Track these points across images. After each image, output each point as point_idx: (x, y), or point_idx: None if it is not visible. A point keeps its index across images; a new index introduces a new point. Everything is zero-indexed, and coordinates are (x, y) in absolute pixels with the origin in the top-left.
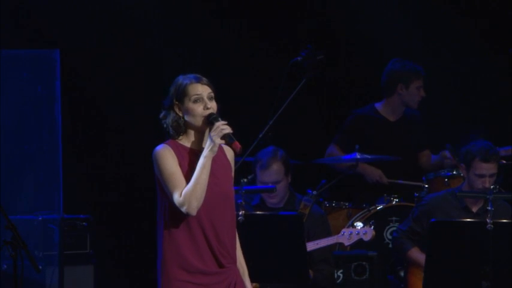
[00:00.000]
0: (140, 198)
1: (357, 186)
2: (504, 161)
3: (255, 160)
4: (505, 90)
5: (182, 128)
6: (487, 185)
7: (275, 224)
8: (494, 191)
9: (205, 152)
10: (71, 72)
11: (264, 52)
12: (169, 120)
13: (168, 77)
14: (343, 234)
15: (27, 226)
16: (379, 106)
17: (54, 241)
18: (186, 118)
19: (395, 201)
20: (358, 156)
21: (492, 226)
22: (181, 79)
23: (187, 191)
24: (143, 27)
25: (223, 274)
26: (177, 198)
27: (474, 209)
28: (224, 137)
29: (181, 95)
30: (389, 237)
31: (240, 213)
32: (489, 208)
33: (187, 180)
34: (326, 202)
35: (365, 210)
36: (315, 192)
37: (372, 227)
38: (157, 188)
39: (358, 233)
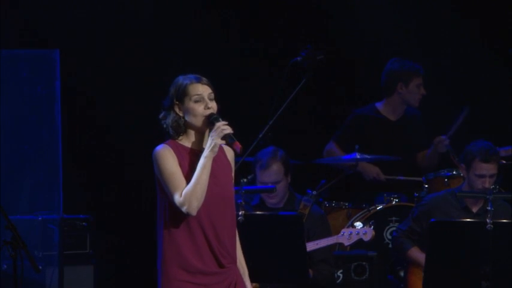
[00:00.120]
0: (140, 198)
1: (356, 186)
2: (504, 161)
3: (254, 160)
4: (505, 90)
5: (182, 128)
6: (487, 186)
7: (275, 224)
8: (494, 191)
9: (205, 152)
10: (71, 72)
11: (264, 52)
12: (169, 120)
13: (168, 77)
14: (342, 234)
15: (27, 226)
16: (379, 106)
17: (54, 241)
18: (187, 118)
19: (395, 201)
20: (358, 156)
21: (492, 226)
22: (181, 79)
23: (188, 191)
24: (143, 27)
25: (223, 274)
26: (177, 198)
27: (474, 209)
28: (225, 137)
29: (182, 94)
30: (389, 237)
31: (240, 213)
32: (489, 208)
33: (187, 180)
34: (326, 202)
35: (365, 210)
36: (314, 192)
37: (372, 227)
38: (157, 188)
39: (358, 233)
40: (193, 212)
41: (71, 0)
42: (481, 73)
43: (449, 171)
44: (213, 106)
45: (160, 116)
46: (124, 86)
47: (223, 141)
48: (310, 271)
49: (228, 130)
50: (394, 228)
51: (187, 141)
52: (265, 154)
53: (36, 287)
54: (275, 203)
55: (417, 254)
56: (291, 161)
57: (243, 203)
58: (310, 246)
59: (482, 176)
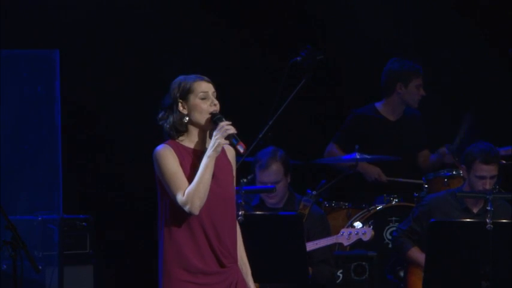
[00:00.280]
0: (140, 198)
1: (356, 186)
2: (504, 161)
3: (254, 160)
4: (505, 90)
5: (184, 126)
6: (487, 187)
7: (275, 224)
8: (494, 191)
9: (208, 152)
10: (71, 72)
11: (264, 52)
12: (171, 119)
13: (168, 77)
14: (342, 234)
15: (26, 226)
16: (379, 106)
17: (53, 241)
18: (191, 116)
19: (395, 201)
20: (358, 156)
21: (492, 226)
22: (183, 78)
23: (191, 190)
24: (143, 27)
25: (224, 274)
26: (180, 197)
27: (475, 210)
28: (228, 137)
29: (187, 92)
30: (389, 237)
31: (240, 213)
32: (489, 208)
33: (188, 180)
34: (326, 202)
35: (364, 211)
36: (314, 193)
37: (371, 227)
38: (157, 188)
39: (357, 233)
40: (196, 211)
41: (71, 0)
42: (481, 73)
43: (449, 171)
44: (217, 103)
45: (160, 115)
46: (124, 86)
47: (227, 141)
48: (310, 271)
49: (232, 130)
50: (393, 228)
51: (187, 141)
52: (265, 154)
53: (36, 287)
54: (275, 203)
55: (417, 254)
56: (291, 161)
57: (243, 203)
58: (310, 246)
59: (482, 178)
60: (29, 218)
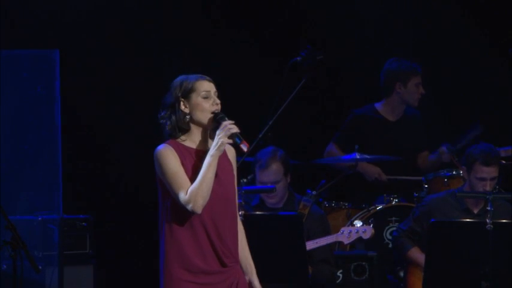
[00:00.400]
0: (140, 198)
1: (356, 186)
2: (504, 161)
3: (254, 160)
4: (505, 90)
5: (186, 125)
6: (487, 188)
7: (275, 224)
8: (494, 192)
9: (212, 151)
10: (71, 72)
11: (264, 52)
12: (173, 118)
13: (168, 76)
14: (342, 232)
15: (26, 226)
16: (379, 106)
17: (53, 241)
18: (193, 114)
19: (395, 201)
20: (358, 157)
21: (492, 226)
22: (185, 77)
23: (193, 189)
24: (143, 27)
25: (225, 273)
26: (182, 196)
27: (475, 210)
28: (232, 136)
29: (189, 91)
30: (389, 237)
31: (240, 213)
32: (489, 208)
33: (190, 180)
34: (325, 202)
35: (364, 210)
36: (314, 193)
37: (371, 225)
38: (158, 187)
39: (357, 232)
40: (199, 210)
41: (71, 0)
42: (481, 73)
43: (449, 171)
44: (219, 103)
45: (161, 114)
46: (124, 86)
47: (230, 140)
48: (310, 270)
49: (235, 129)
50: (393, 228)
51: (188, 140)
52: (265, 154)
53: (36, 287)
54: (275, 202)
55: (417, 255)
56: (291, 161)
57: (243, 203)
58: (310, 245)
59: (483, 179)
60: (29, 218)
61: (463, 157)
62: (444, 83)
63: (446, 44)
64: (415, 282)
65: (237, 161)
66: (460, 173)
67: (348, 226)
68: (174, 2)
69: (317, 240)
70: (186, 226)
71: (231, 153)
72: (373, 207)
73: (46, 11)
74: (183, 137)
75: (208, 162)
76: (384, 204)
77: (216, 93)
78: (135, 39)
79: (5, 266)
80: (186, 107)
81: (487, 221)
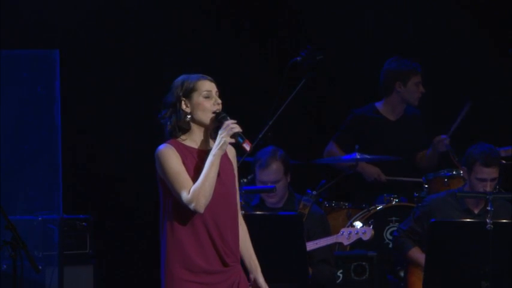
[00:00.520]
0: (140, 198)
1: (356, 186)
2: (504, 161)
3: (254, 160)
4: (505, 90)
5: (187, 125)
6: (488, 189)
7: (275, 224)
8: (494, 191)
9: (214, 150)
10: (71, 72)
11: (264, 52)
12: (174, 117)
13: (168, 76)
14: (342, 233)
15: (26, 226)
16: (379, 105)
17: (53, 241)
18: (194, 114)
19: (395, 201)
20: (358, 156)
21: (492, 226)
22: (186, 77)
23: (196, 188)
24: (143, 27)
25: (227, 273)
26: (185, 195)
27: (476, 211)
28: (234, 135)
29: (190, 91)
30: (389, 237)
31: (240, 213)
32: (489, 208)
33: (192, 179)
34: (326, 202)
35: (365, 211)
36: (314, 193)
37: (371, 226)
38: (159, 187)
39: (357, 233)
40: (201, 210)
41: (71, 0)
42: (481, 73)
43: (449, 171)
44: (220, 102)
45: (162, 114)
46: (124, 86)
47: (233, 140)
48: (310, 271)
49: (238, 128)
50: (394, 229)
51: (189, 140)
52: (265, 153)
53: (36, 287)
54: (275, 202)
55: (418, 255)
56: (291, 161)
57: (243, 203)
58: (310, 245)
59: (483, 180)
60: (29, 218)
61: (463, 158)
62: (444, 82)
63: (446, 44)
64: (416, 282)
65: (237, 161)
66: (460, 173)
67: (348, 227)
68: (174, 2)
69: (317, 241)
70: (187, 226)
71: (232, 152)
72: (373, 207)
73: (46, 11)
74: (184, 137)
75: (211, 161)
76: (384, 204)
77: (218, 93)
78: (135, 39)
79: (5, 266)
80: (187, 106)
81: (487, 221)
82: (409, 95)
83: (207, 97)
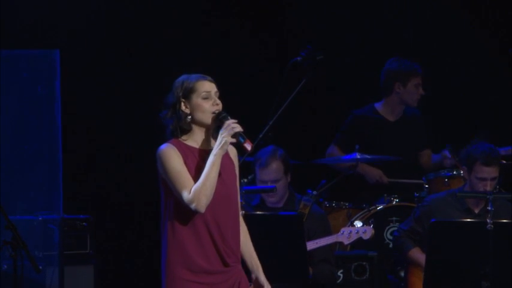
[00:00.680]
0: (140, 198)
1: (356, 186)
2: (504, 161)
3: (254, 159)
4: (505, 90)
5: (187, 125)
6: (488, 188)
7: (275, 223)
8: (495, 191)
9: (215, 150)
10: (71, 72)
11: (264, 52)
12: (174, 118)
13: (168, 76)
14: (342, 233)
15: (27, 226)
16: (378, 106)
17: (54, 241)
18: (194, 115)
19: (396, 201)
20: (358, 157)
21: (492, 226)
22: (186, 77)
23: (197, 188)
24: (143, 27)
25: (227, 273)
26: (186, 195)
27: (476, 210)
28: (235, 135)
29: (189, 91)
30: (390, 237)
31: (240, 213)
32: (489, 208)
33: (193, 179)
34: (326, 202)
35: (365, 211)
36: (315, 193)
37: (371, 226)
38: (160, 187)
39: (357, 232)
40: (202, 209)
41: (71, 0)
42: (481, 73)
43: (450, 171)
44: (220, 103)
45: (163, 114)
46: (124, 86)
47: (234, 140)
48: (311, 270)
49: (239, 128)
50: (394, 228)
51: (191, 140)
52: (265, 153)
53: (37, 287)
54: (275, 201)
55: (418, 255)
56: (291, 161)
57: (243, 203)
58: (310, 245)
59: (483, 179)
60: (29, 218)
61: (463, 157)
62: (444, 83)
63: (446, 44)
64: (416, 282)
65: (238, 161)
66: (460, 173)
67: (348, 226)
68: (174, 2)
69: (317, 241)
70: (188, 225)
71: (233, 152)
72: (373, 207)
73: (46, 11)
74: (185, 137)
75: (212, 161)
76: (385, 204)
77: (217, 93)
78: (136, 39)
79: (5, 266)
80: (186, 107)
81: (488, 221)
82: (408, 96)
83: (206, 98)
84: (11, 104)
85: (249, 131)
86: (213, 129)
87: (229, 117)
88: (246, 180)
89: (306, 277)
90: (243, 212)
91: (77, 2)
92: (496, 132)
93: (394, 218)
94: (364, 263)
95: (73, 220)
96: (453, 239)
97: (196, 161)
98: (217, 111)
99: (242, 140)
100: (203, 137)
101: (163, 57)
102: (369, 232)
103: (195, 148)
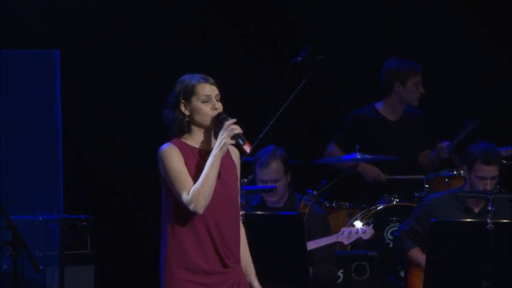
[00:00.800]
0: (140, 198)
1: (357, 186)
2: (504, 161)
3: (254, 159)
4: (505, 89)
5: (187, 127)
6: (488, 187)
7: (275, 223)
8: (495, 191)
9: (214, 151)
10: (71, 72)
11: (264, 52)
12: (174, 118)
13: (168, 76)
14: (342, 233)
15: (27, 226)
16: (379, 106)
17: (54, 241)
18: (193, 117)
19: (396, 201)
20: (359, 156)
21: (492, 226)
22: (188, 78)
23: (196, 189)
24: (143, 27)
25: (227, 274)
26: (185, 196)
27: (476, 210)
28: (234, 137)
29: (189, 94)
30: (390, 237)
31: (241, 213)
32: (489, 208)
33: (193, 179)
34: (326, 202)
35: (365, 210)
36: (315, 192)
37: (371, 226)
38: (161, 187)
39: (357, 232)
40: (200, 211)
41: (71, 0)
42: (481, 73)
43: (450, 171)
44: (220, 107)
45: (165, 113)
46: (124, 86)
47: (233, 141)
48: (311, 270)
49: (238, 130)
50: (394, 228)
51: (192, 140)
52: (265, 152)
53: (37, 287)
54: (275, 201)
55: (418, 255)
56: (291, 161)
57: (243, 203)
58: (310, 245)
59: (483, 178)
60: (30, 218)
61: (464, 156)
62: (444, 82)
63: (446, 44)
64: (416, 282)
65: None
66: (460, 173)
67: (348, 226)
68: (174, 2)
69: (317, 241)
70: (188, 226)
71: (235, 153)
72: (373, 207)
73: (46, 11)
74: (186, 136)
75: (211, 162)
76: (385, 204)
77: (219, 95)
78: (136, 39)
79: (5, 266)
80: (186, 109)
81: (488, 220)
82: (408, 95)
83: (206, 101)
84: (11, 104)
85: (249, 131)
86: (214, 130)
87: (229, 118)
88: (246, 180)
89: (306, 277)
90: (243, 212)
91: (77, 2)
92: (496, 132)
93: (394, 218)
94: (364, 263)
95: (73, 220)
96: (453, 239)
97: (197, 161)
98: (217, 113)
99: (241, 142)
100: (204, 137)
101: (163, 57)
102: (368, 232)
103: (195, 148)
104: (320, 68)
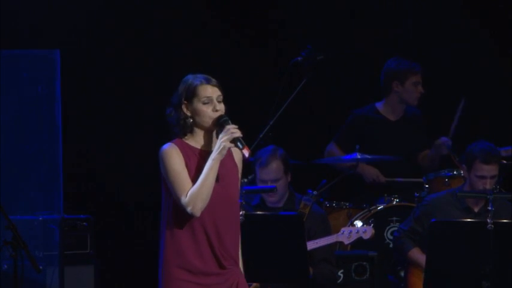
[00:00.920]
0: (140, 198)
1: (357, 186)
2: (504, 161)
3: (254, 159)
4: (505, 90)
5: (188, 127)
6: (487, 187)
7: (275, 224)
8: (495, 191)
9: (213, 155)
10: (71, 72)
11: (265, 52)
12: (176, 118)
13: (168, 76)
14: (342, 233)
15: (27, 226)
16: (379, 106)
17: (54, 241)
18: (194, 118)
19: (396, 201)
20: (359, 157)
21: (492, 226)
22: (191, 79)
23: (193, 192)
24: (143, 27)
25: (224, 275)
26: (182, 198)
27: (476, 209)
28: (234, 140)
29: (191, 95)
30: (390, 237)
31: (241, 213)
32: (489, 208)
33: (193, 181)
34: (326, 202)
35: (365, 210)
36: (315, 193)
37: (372, 225)
38: (162, 187)
39: (357, 232)
40: (198, 213)
41: (71, 0)
42: (481, 73)
43: (450, 171)
44: (221, 108)
45: (168, 112)
46: (124, 86)
47: (232, 145)
48: (311, 270)
49: (238, 134)
50: (394, 228)
51: (194, 141)
52: (265, 152)
53: (37, 287)
54: (275, 201)
55: (418, 255)
56: (291, 161)
57: (243, 202)
58: (310, 245)
59: (483, 177)
60: (30, 218)
61: (463, 156)
62: (444, 82)
63: (446, 44)
64: (416, 282)
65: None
66: (460, 173)
67: (348, 226)
68: (175, 2)
69: (317, 241)
70: (186, 226)
71: (238, 156)
72: (373, 207)
73: (46, 11)
74: (188, 137)
75: (210, 165)
76: (385, 204)
77: (221, 97)
78: (136, 39)
79: (5, 266)
80: (187, 110)
81: (488, 220)
82: (407, 94)
83: (207, 103)
84: (11, 104)
85: (249, 131)
86: (216, 131)
87: (230, 122)
88: (246, 180)
89: (306, 277)
90: (243, 212)
91: (77, 2)
92: (496, 132)
93: (394, 218)
94: (365, 263)
95: (73, 220)
96: (453, 239)
97: (199, 162)
98: (218, 116)
99: (240, 146)
100: (206, 138)
101: (163, 57)
102: (369, 232)
103: (196, 149)
104: (320, 68)
